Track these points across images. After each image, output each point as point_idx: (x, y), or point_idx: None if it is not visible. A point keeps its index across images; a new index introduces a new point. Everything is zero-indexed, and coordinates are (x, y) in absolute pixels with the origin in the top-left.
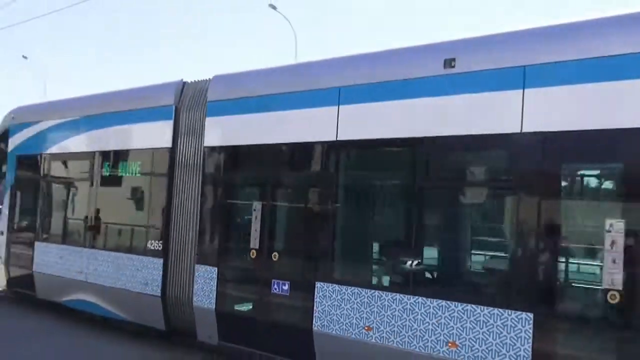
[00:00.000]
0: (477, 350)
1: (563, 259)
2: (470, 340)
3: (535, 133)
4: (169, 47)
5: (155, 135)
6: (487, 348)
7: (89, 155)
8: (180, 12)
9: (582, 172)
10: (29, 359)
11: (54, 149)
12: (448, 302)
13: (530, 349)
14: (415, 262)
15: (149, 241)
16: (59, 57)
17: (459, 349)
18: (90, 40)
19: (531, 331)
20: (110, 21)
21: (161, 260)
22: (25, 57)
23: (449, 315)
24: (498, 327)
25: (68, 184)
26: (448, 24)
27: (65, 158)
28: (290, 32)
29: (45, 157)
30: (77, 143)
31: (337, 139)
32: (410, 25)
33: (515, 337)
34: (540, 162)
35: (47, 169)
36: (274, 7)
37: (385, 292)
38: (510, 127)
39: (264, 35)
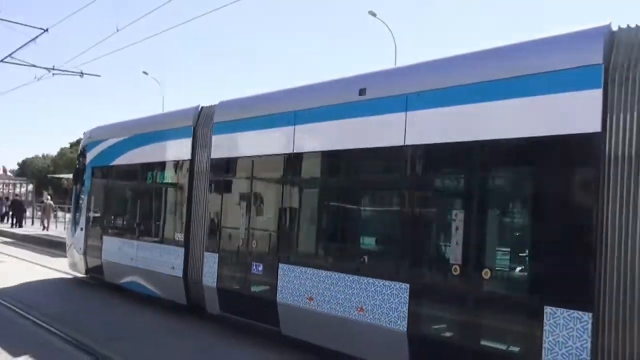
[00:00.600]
0: (376, 313)
1: (431, 242)
2: (372, 305)
3: (412, 145)
4: (275, 57)
5: (179, 149)
6: (381, 311)
7: (135, 167)
8: (283, 23)
9: (443, 174)
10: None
11: (114, 162)
12: (357, 276)
13: (407, 310)
14: (336, 247)
15: (175, 234)
16: (175, 72)
17: (365, 312)
18: (201, 54)
19: (407, 297)
20: (219, 35)
21: (183, 249)
22: (145, 73)
23: (358, 287)
24: (388, 295)
25: (123, 189)
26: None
27: (120, 169)
28: (390, 37)
29: (109, 168)
30: (126, 157)
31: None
32: (506, 24)
33: (398, 302)
34: (416, 167)
35: (110, 178)
36: (373, 14)
37: (320, 270)
38: (397, 141)
39: (364, 42)
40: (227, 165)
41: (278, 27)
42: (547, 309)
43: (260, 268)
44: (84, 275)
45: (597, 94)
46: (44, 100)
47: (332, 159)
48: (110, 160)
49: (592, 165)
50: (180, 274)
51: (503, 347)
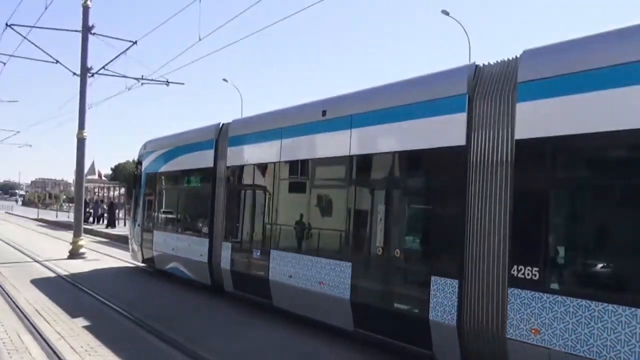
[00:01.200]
0: (332, 286)
1: (365, 230)
2: (329, 280)
3: (356, 155)
4: (348, 60)
5: (205, 158)
6: (334, 284)
7: (176, 173)
8: (356, 25)
9: (378, 178)
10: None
11: (160, 169)
12: (318, 258)
13: (349, 283)
14: (304, 236)
15: (202, 228)
16: (254, 80)
17: (324, 285)
18: (277, 60)
19: (350, 272)
20: (295, 41)
21: (207, 240)
22: (225, 80)
23: (319, 265)
24: (338, 272)
25: (167, 191)
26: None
27: (165, 175)
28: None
29: (157, 174)
30: (169, 165)
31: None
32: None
33: (345, 277)
34: (360, 172)
35: (158, 182)
36: (446, 13)
37: (295, 254)
38: (346, 151)
39: (438, 40)
40: (239, 171)
41: (352, 29)
42: (433, 278)
43: (259, 253)
44: (142, 264)
45: (462, 116)
46: (134, 108)
47: (297, 166)
48: (158, 168)
49: (460, 171)
50: (205, 259)
51: (407, 307)
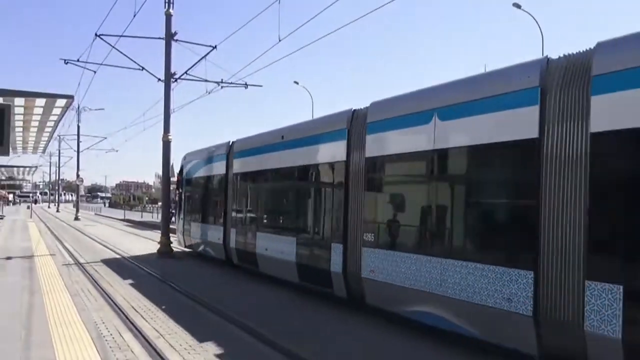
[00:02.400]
0: (285, 254)
1: (305, 216)
2: (285, 250)
3: (304, 165)
4: (416, 58)
5: (216, 168)
6: (288, 252)
7: (203, 178)
8: (425, 21)
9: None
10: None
11: (192, 175)
12: (280, 235)
13: (295, 253)
14: (276, 221)
15: (218, 218)
16: (324, 83)
17: (283, 254)
18: (349, 62)
19: (295, 245)
20: (365, 39)
21: (222, 227)
22: (296, 83)
23: (282, 240)
24: (288, 245)
25: (198, 192)
26: None
27: (195, 179)
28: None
29: (190, 179)
30: (198, 172)
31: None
32: None
33: (292, 248)
34: (306, 177)
35: (190, 185)
36: (518, 6)
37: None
38: (300, 162)
39: (509, 35)
40: (242, 177)
41: (422, 26)
42: (333, 245)
43: (250, 235)
44: (187, 249)
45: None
46: (214, 111)
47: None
48: (192, 175)
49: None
50: (221, 241)
51: (324, 267)
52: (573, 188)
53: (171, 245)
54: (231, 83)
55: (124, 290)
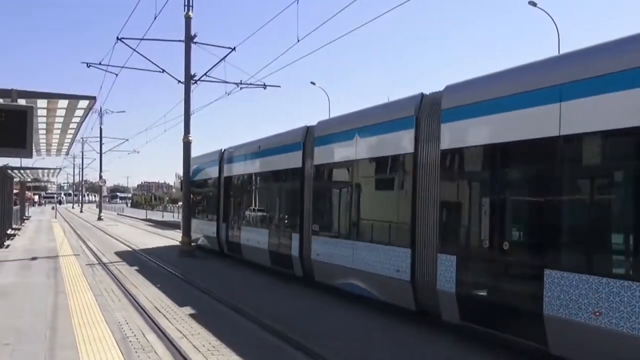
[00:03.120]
0: (260, 243)
1: (273, 209)
2: (260, 240)
3: (274, 170)
4: (432, 57)
5: (211, 172)
6: (262, 242)
7: (203, 180)
8: (440, 21)
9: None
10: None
11: (197, 178)
12: (257, 228)
13: (267, 241)
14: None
15: (212, 215)
16: (341, 82)
17: (258, 243)
18: (363, 61)
19: (267, 233)
20: (380, 39)
21: (215, 223)
22: (313, 83)
23: (258, 232)
24: (262, 236)
25: (201, 193)
26: None
27: (198, 181)
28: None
29: (195, 181)
30: (199, 175)
31: None
32: None
33: (265, 238)
34: (275, 181)
35: (194, 186)
36: (534, 4)
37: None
38: (271, 168)
39: (525, 32)
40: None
41: (436, 26)
42: (293, 235)
43: (236, 228)
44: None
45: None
46: (233, 112)
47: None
48: (193, 178)
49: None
50: (216, 235)
51: (287, 252)
52: (432, 188)
53: (192, 244)
54: (250, 84)
55: (146, 290)
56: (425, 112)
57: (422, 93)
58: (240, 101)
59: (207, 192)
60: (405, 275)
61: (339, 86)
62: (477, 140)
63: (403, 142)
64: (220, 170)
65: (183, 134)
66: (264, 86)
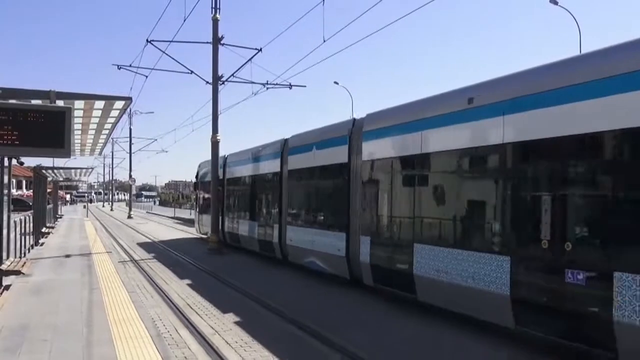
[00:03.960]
0: (253, 233)
1: (258, 204)
2: (254, 230)
3: (258, 174)
4: (453, 57)
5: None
6: (253, 232)
7: (208, 183)
8: (461, 21)
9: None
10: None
11: (202, 179)
12: (249, 220)
13: (256, 232)
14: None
15: (212, 208)
16: (365, 80)
17: (253, 234)
18: (386, 61)
19: (256, 225)
20: (403, 39)
21: (219, 217)
22: (336, 83)
23: (250, 224)
24: (252, 227)
25: (207, 192)
26: None
27: (204, 183)
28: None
29: (200, 182)
30: (207, 176)
31: None
32: None
33: (254, 229)
34: (260, 181)
35: (199, 188)
36: (555, 2)
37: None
38: (256, 172)
39: (546, 31)
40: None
41: (457, 26)
42: (274, 225)
43: (235, 222)
44: (202, 235)
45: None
46: (259, 111)
47: None
48: (201, 179)
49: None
50: (220, 225)
51: (270, 240)
52: (359, 188)
53: (221, 242)
54: (276, 84)
55: (178, 287)
56: (355, 132)
57: (354, 118)
58: (265, 101)
59: (204, 192)
60: (342, 253)
61: (361, 85)
62: (382, 154)
63: (339, 154)
64: (224, 173)
65: (211, 133)
66: (290, 86)
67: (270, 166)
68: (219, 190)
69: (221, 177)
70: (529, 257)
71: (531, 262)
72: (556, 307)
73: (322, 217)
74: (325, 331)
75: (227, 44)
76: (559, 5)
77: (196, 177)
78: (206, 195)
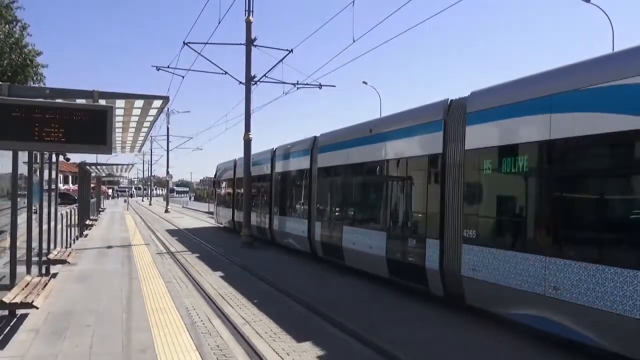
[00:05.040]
0: (263, 223)
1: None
2: (262, 220)
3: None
4: (479, 58)
5: (228, 174)
6: (262, 222)
7: (232, 180)
8: (492, 20)
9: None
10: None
11: (219, 178)
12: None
13: (268, 222)
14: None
15: (230, 204)
16: (394, 81)
17: (261, 222)
18: (415, 60)
19: (268, 217)
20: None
21: (231, 210)
22: (365, 83)
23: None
24: (264, 218)
25: (226, 188)
26: None
27: (223, 181)
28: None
29: (219, 181)
30: (224, 175)
31: None
32: None
33: (267, 220)
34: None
35: (218, 185)
36: (587, 0)
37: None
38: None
39: (578, 30)
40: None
41: (486, 26)
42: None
43: (224, 209)
44: (219, 225)
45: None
46: (290, 111)
47: None
48: (219, 178)
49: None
50: (231, 217)
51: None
52: (309, 184)
53: (253, 236)
54: (306, 84)
55: (211, 278)
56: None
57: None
58: (295, 101)
59: (226, 188)
60: (305, 234)
61: (389, 85)
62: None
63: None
64: (235, 173)
65: (244, 131)
66: (320, 86)
67: (259, 169)
68: (232, 188)
69: (232, 176)
70: (396, 233)
71: (397, 235)
72: (408, 262)
73: (295, 207)
74: (359, 329)
75: (259, 46)
76: (592, 4)
77: (215, 176)
78: (222, 191)
